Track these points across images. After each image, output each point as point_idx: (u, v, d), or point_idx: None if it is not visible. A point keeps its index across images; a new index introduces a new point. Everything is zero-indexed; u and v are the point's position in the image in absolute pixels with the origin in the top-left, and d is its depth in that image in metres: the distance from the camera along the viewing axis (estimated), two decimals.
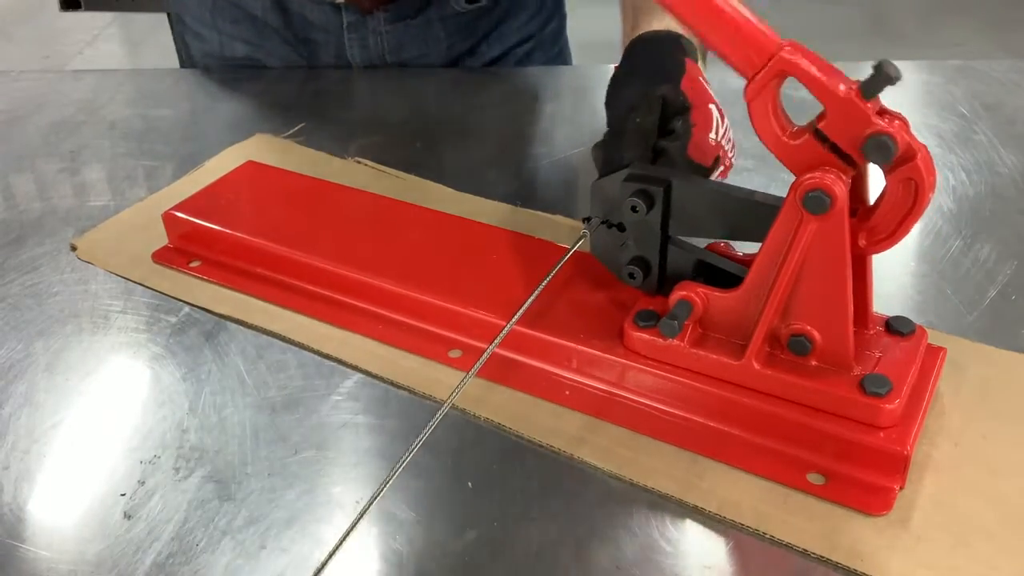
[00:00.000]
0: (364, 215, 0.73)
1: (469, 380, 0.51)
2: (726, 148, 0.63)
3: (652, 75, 0.64)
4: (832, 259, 0.50)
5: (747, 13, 0.49)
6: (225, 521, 0.52)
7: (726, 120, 0.64)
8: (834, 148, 0.49)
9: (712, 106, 0.62)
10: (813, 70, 0.47)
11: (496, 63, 1.06)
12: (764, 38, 0.48)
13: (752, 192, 0.55)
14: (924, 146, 0.48)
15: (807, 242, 0.49)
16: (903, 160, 0.48)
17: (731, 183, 0.59)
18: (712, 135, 0.61)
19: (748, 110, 0.50)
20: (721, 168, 0.62)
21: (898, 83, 0.46)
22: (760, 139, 0.50)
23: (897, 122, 0.47)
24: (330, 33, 1.02)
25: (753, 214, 0.53)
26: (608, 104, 0.67)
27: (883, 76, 0.46)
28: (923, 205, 0.48)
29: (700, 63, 0.67)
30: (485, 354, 0.50)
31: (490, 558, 0.49)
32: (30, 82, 1.04)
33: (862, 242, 0.51)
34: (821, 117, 0.48)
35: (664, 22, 0.69)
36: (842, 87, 0.47)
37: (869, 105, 0.47)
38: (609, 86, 0.68)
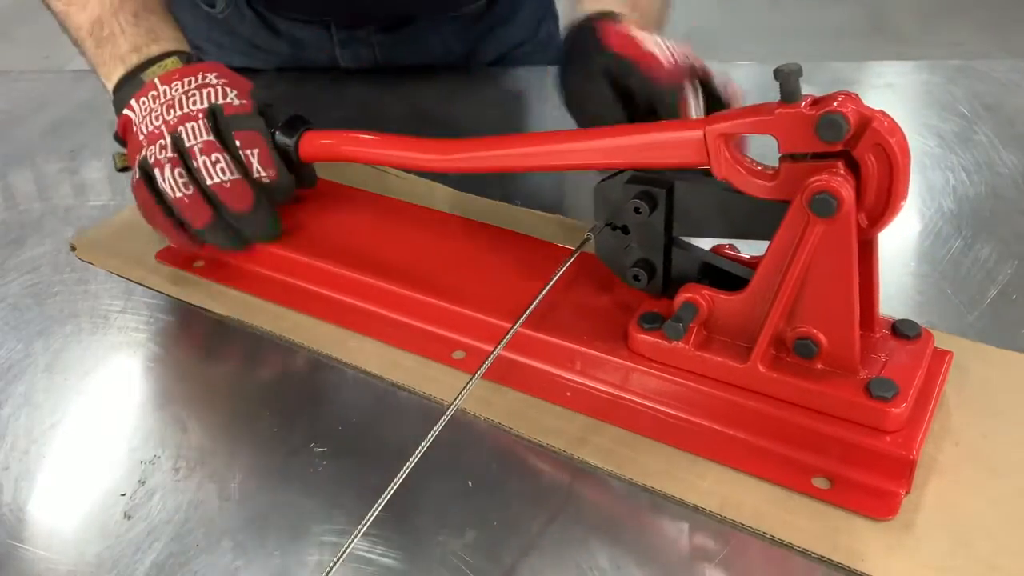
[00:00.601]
0: (365, 215, 0.73)
1: (475, 382, 0.51)
2: (672, 51, 0.62)
3: (577, 65, 0.65)
4: (838, 262, 0.49)
5: (658, 127, 0.52)
6: (225, 521, 0.52)
7: (654, 37, 0.63)
8: (814, 156, 0.49)
9: (631, 30, 0.63)
10: (740, 121, 0.50)
11: (499, 62, 1.06)
12: (684, 132, 0.50)
13: None
14: (881, 111, 0.48)
15: (813, 245, 0.49)
16: (861, 129, 0.48)
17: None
18: (654, 49, 0.61)
19: (730, 183, 0.52)
20: (693, 65, 0.62)
21: (803, 72, 0.48)
22: (758, 197, 0.51)
23: (840, 99, 0.48)
24: (321, 50, 1.02)
25: (757, 212, 0.53)
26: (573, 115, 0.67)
27: (784, 75, 0.47)
28: (899, 167, 0.48)
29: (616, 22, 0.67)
30: (490, 357, 0.50)
31: (490, 558, 0.49)
32: (30, 82, 1.04)
33: (863, 223, 0.51)
34: (779, 144, 0.49)
35: (584, 5, 0.69)
36: (769, 111, 0.48)
37: (799, 106, 0.48)
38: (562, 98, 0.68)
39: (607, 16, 0.66)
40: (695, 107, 0.61)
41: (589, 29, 0.65)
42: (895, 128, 0.48)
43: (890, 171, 0.48)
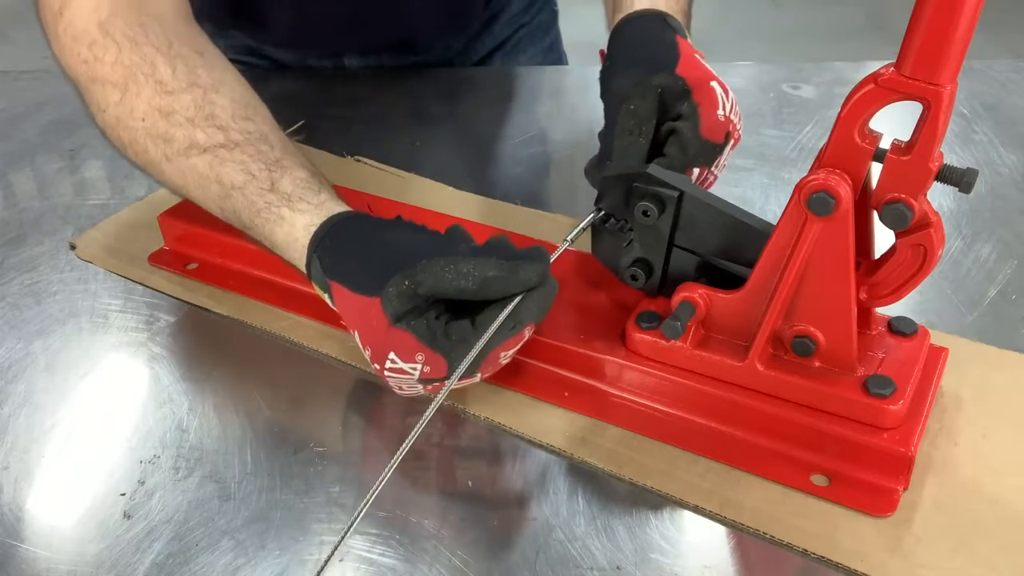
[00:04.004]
0: None
1: (460, 373, 0.50)
2: (735, 121, 0.62)
3: (645, 62, 0.62)
4: (836, 260, 0.50)
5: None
6: (225, 521, 0.52)
7: (731, 94, 0.62)
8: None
9: (714, 83, 0.61)
10: (943, 120, 0.47)
11: (490, 56, 1.06)
12: (949, 66, 0.44)
13: (760, 220, 0.55)
14: (938, 215, 0.49)
15: (811, 243, 0.49)
16: (917, 227, 0.49)
17: (742, 196, 0.58)
18: (720, 112, 0.60)
19: (856, 91, 0.47)
20: (732, 142, 0.62)
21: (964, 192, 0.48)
22: (838, 119, 0.48)
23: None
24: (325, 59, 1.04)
25: (759, 242, 0.52)
26: (603, 96, 0.64)
27: (957, 177, 0.48)
28: (930, 269, 0.50)
29: (688, 40, 0.66)
30: (478, 345, 0.50)
31: (490, 558, 0.49)
32: (30, 81, 1.04)
33: (863, 295, 0.52)
34: (902, 150, 0.48)
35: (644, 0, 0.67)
36: (937, 156, 0.48)
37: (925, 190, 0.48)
38: (601, 76, 0.65)
39: (673, 25, 0.65)
40: (699, 173, 0.61)
41: (666, 40, 0.63)
42: (943, 239, 0.49)
43: (918, 270, 0.50)
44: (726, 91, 0.62)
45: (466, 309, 0.52)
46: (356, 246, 0.55)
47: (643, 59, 0.63)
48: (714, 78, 0.62)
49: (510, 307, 0.51)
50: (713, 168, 0.62)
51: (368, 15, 0.93)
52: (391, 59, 1.02)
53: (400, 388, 0.53)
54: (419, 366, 0.51)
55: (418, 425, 0.49)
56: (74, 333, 0.66)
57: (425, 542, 0.50)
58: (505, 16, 1.05)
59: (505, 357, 0.53)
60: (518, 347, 0.53)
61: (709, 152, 0.60)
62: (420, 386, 0.52)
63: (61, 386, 0.62)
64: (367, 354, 0.53)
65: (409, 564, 0.49)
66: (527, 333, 0.52)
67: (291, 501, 0.53)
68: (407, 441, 0.48)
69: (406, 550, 0.50)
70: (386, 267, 0.51)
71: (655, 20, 0.66)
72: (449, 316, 0.52)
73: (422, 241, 0.54)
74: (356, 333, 0.54)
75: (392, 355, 0.51)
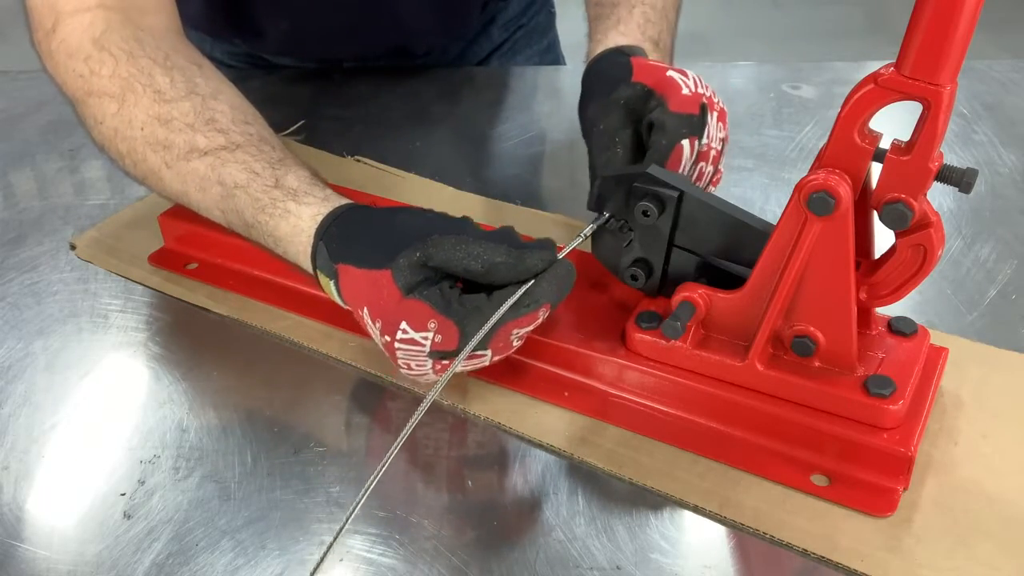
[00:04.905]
0: None
1: (456, 368, 0.50)
2: (708, 94, 0.63)
3: (603, 88, 0.65)
4: (836, 260, 0.50)
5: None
6: (225, 521, 0.52)
7: (692, 74, 0.63)
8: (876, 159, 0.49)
9: (671, 72, 0.63)
10: (943, 120, 0.46)
11: (487, 59, 1.07)
12: (949, 66, 0.44)
13: (760, 220, 0.55)
14: (938, 215, 0.49)
15: (811, 243, 0.49)
16: (917, 227, 0.49)
17: (742, 196, 0.58)
18: (685, 90, 0.62)
19: (856, 91, 0.47)
20: (716, 113, 0.63)
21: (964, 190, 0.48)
22: (838, 119, 0.48)
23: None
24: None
25: (759, 242, 0.52)
26: (584, 137, 0.67)
27: (957, 177, 0.48)
28: (930, 269, 0.50)
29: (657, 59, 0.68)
30: (472, 342, 0.50)
31: (490, 558, 0.49)
32: (29, 81, 1.04)
33: (863, 295, 0.52)
34: (902, 150, 0.48)
35: (608, 40, 0.70)
36: (937, 156, 0.48)
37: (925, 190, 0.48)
38: (580, 123, 0.69)
39: (627, 51, 0.67)
40: (690, 147, 0.61)
41: (619, 63, 0.66)
42: (943, 239, 0.50)
43: (918, 270, 0.50)
44: (686, 74, 0.63)
45: (478, 288, 0.53)
46: (363, 231, 0.55)
47: (601, 86, 0.66)
48: (670, 68, 0.63)
49: (528, 284, 0.51)
50: (706, 139, 0.62)
51: (365, 23, 0.94)
52: (388, 64, 1.03)
53: (409, 367, 0.53)
54: (431, 335, 0.51)
55: (426, 401, 0.49)
56: (74, 333, 0.66)
57: (425, 542, 0.50)
58: (502, 19, 1.05)
59: (516, 337, 0.53)
60: (531, 328, 0.53)
61: (688, 123, 0.61)
62: (430, 362, 0.52)
63: (61, 386, 0.62)
64: (377, 327, 0.52)
65: (409, 564, 0.49)
66: (542, 315, 0.52)
67: (291, 501, 0.53)
68: (414, 418, 0.48)
69: (406, 550, 0.50)
70: (396, 243, 0.52)
71: (608, 55, 0.68)
72: (460, 291, 0.53)
73: (431, 220, 0.55)
74: (365, 310, 0.53)
75: (404, 324, 0.51)
